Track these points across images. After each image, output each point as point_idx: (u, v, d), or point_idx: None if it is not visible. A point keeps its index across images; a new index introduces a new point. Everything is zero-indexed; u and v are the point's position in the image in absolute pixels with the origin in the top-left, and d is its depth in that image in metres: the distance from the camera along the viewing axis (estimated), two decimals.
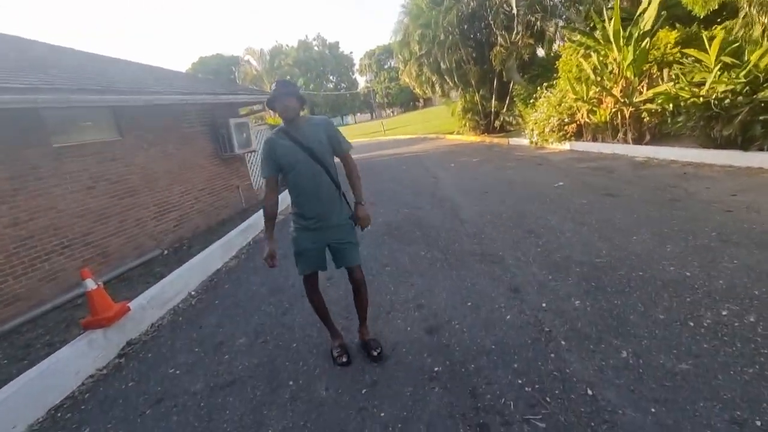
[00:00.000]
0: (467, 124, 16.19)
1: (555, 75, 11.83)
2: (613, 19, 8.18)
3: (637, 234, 3.92)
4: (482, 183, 7.56)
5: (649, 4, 8.14)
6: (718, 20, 8.25)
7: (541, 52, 14.84)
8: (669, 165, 6.62)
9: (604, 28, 8.40)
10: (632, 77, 7.90)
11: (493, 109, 14.59)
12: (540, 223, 4.78)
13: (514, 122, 15.17)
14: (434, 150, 14.68)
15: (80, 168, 5.21)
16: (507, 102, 14.35)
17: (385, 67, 68.76)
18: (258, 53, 27.58)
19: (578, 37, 9.09)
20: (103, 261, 5.40)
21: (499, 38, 12.42)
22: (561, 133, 9.83)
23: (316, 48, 69.05)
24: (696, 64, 6.68)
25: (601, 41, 8.56)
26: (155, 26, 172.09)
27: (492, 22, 12.24)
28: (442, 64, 13.33)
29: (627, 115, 8.07)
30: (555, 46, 14.92)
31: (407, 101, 63.20)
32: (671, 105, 6.78)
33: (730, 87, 5.78)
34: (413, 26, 14.07)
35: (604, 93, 8.21)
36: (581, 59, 9.33)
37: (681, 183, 5.42)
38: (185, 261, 5.22)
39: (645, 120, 8.01)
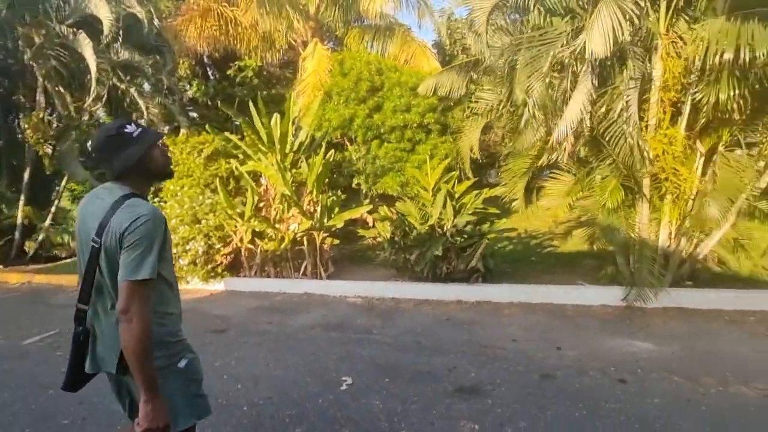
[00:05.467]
0: None
1: None
2: (283, 119, 6.27)
3: None
4: None
5: (307, 110, 7.02)
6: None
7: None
8: (419, 307, 5.12)
9: (267, 126, 6.27)
10: (318, 194, 6.15)
11: (20, 221, 7.88)
12: None
13: (67, 243, 8.98)
14: None
15: None
16: (54, 209, 8.27)
17: None
18: None
19: (251, 135, 6.37)
20: None
21: (50, 98, 6.96)
22: (210, 266, 6.21)
23: None
24: None
25: (265, 143, 6.32)
26: None
27: (36, 69, 6.68)
28: None
29: (318, 241, 6.09)
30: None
31: None
32: (397, 234, 5.52)
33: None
34: None
35: (296, 211, 5.84)
36: (236, 163, 6.60)
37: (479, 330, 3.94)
38: None
39: (326, 247, 6.38)
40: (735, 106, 3.66)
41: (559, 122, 3.95)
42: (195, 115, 13.41)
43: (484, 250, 5.09)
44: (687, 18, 4.05)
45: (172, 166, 1.62)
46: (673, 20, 4.03)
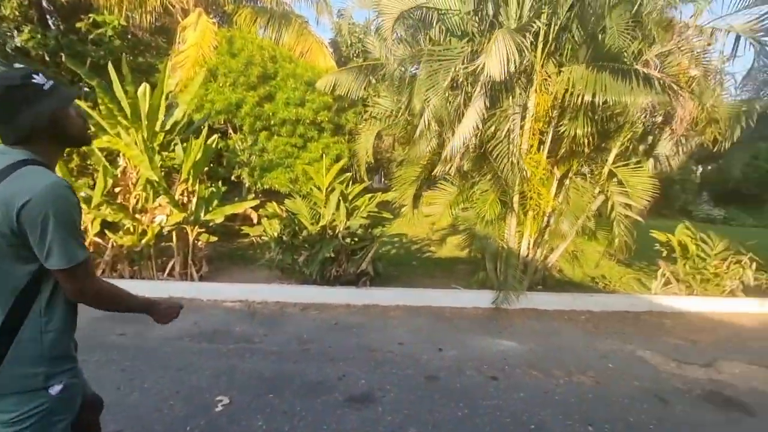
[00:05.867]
0: None
1: None
2: (154, 91, 5.31)
3: None
4: None
5: (185, 87, 6.12)
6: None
7: None
8: (305, 312, 4.81)
9: (132, 96, 5.21)
10: (194, 183, 5.35)
11: None
12: None
13: None
14: None
15: None
16: None
17: None
18: None
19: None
20: None
21: None
22: None
23: None
24: None
25: (128, 116, 5.24)
26: None
27: None
28: None
29: (191, 237, 5.29)
30: None
31: None
32: (286, 233, 5.11)
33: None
34: None
35: (165, 200, 4.94)
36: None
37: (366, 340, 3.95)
38: None
39: (201, 245, 5.62)
40: (586, 141, 4.44)
41: (452, 137, 4.20)
42: None
43: (375, 253, 5.11)
44: (555, 61, 4.75)
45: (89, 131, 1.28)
46: (545, 61, 4.68)
